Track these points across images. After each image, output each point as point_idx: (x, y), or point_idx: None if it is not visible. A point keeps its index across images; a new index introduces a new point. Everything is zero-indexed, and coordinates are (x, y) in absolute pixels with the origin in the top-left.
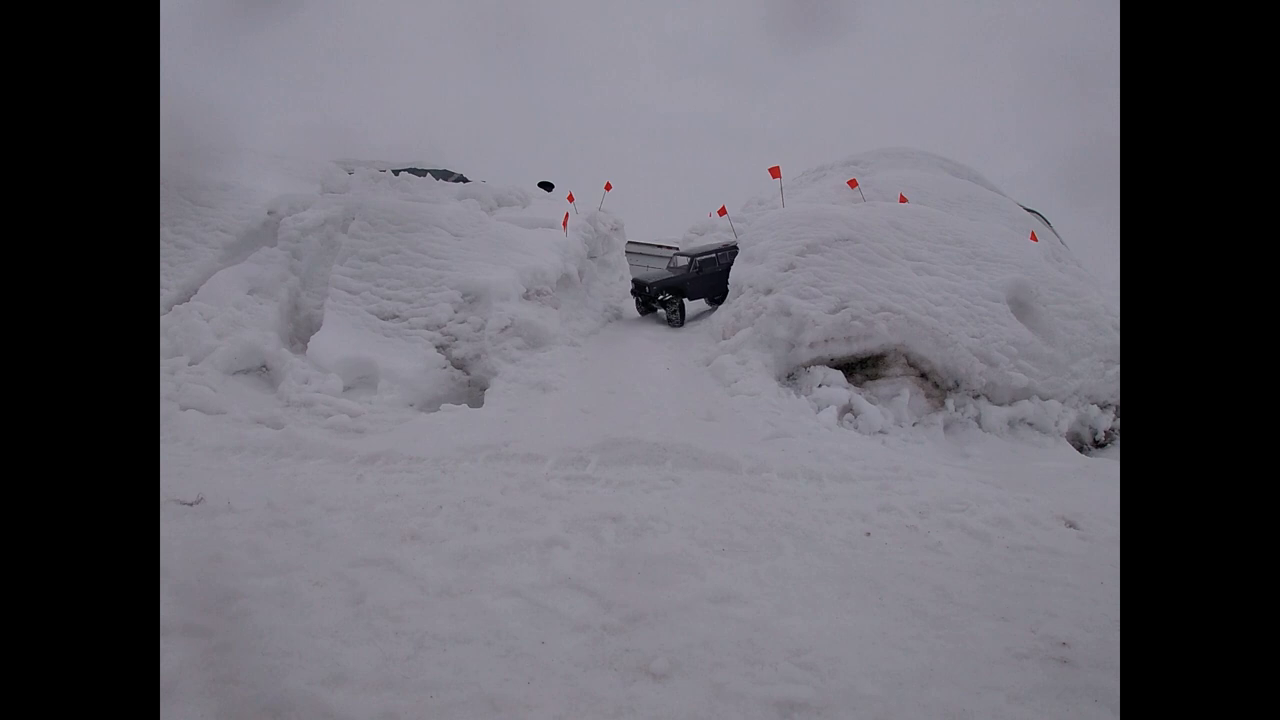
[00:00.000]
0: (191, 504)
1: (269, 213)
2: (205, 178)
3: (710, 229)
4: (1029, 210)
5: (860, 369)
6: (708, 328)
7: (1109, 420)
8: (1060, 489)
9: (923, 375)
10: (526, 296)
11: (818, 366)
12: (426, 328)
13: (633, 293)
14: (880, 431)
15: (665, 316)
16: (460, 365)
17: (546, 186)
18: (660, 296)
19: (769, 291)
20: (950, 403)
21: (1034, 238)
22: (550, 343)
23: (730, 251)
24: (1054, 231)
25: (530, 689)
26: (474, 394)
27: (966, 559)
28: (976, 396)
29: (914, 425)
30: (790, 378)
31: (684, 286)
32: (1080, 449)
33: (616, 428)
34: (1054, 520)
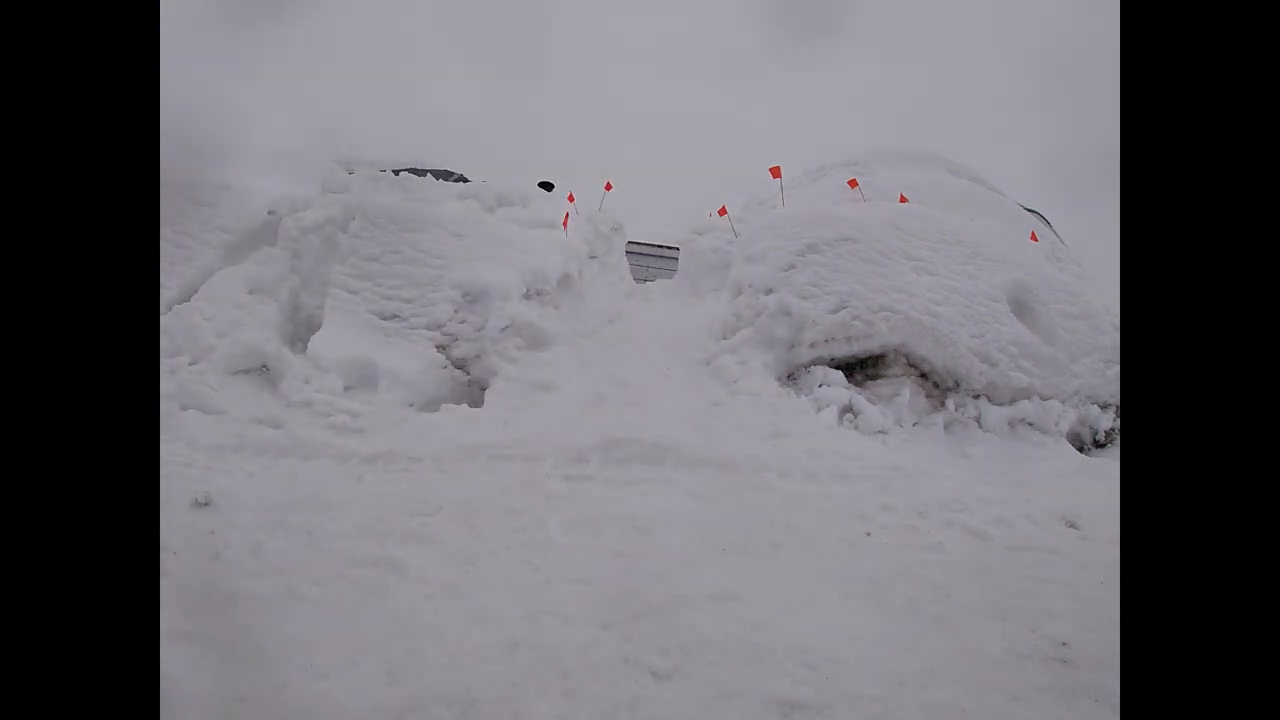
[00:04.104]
0: (193, 504)
1: (269, 213)
2: (205, 178)
3: (710, 229)
4: (1029, 210)
5: (860, 369)
6: (708, 328)
7: (1109, 420)
8: (1060, 489)
9: (923, 375)
10: (527, 296)
11: (818, 366)
12: (427, 328)
13: None
14: (880, 431)
15: None
16: (460, 365)
17: (546, 186)
18: None
19: (769, 291)
20: (950, 403)
21: (1034, 238)
22: (551, 343)
23: None
24: (1054, 231)
25: (530, 689)
26: (474, 394)
27: (967, 559)
28: (977, 396)
29: (914, 425)
30: (790, 378)
31: None
32: (1080, 449)
33: (617, 427)
34: (1054, 520)
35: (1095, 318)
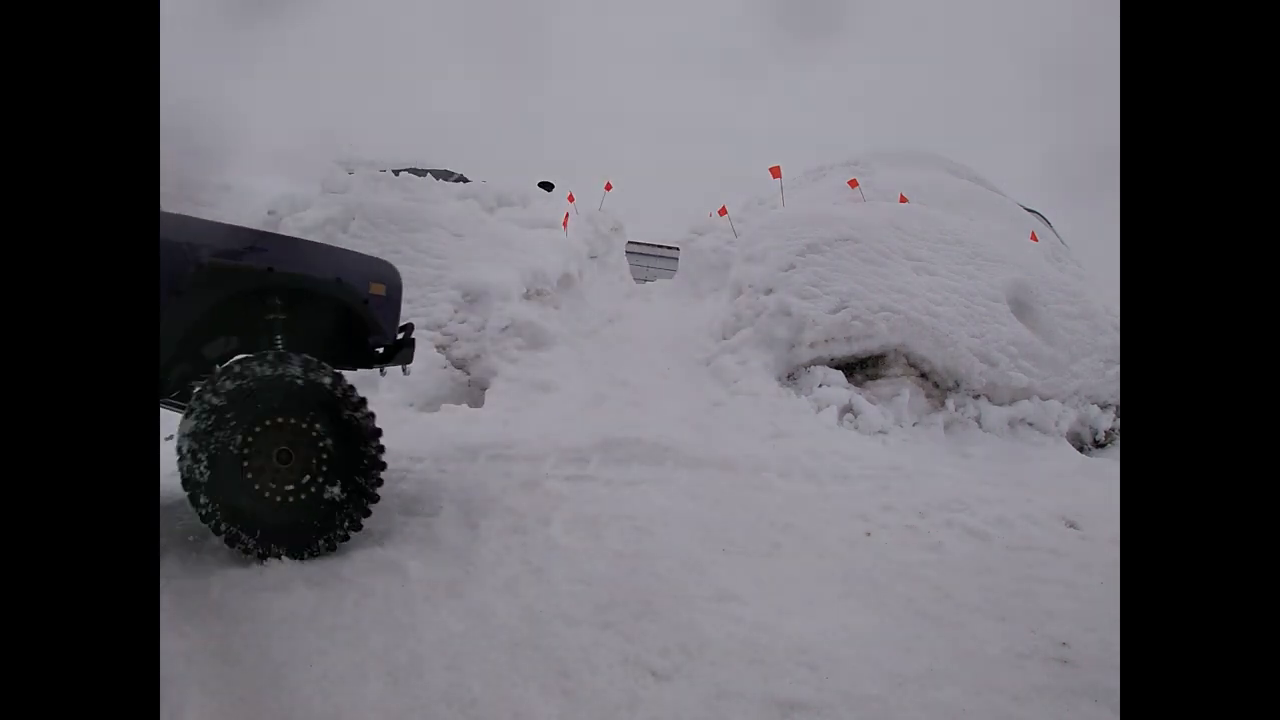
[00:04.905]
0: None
1: (269, 213)
2: (205, 178)
3: (710, 229)
4: (1029, 210)
5: (860, 369)
6: (708, 328)
7: (1109, 420)
8: (1060, 489)
9: (923, 375)
10: (527, 296)
11: (818, 366)
12: (427, 328)
13: None
14: (880, 431)
15: None
16: (460, 365)
17: (546, 186)
18: None
19: (769, 291)
20: (950, 403)
21: (1034, 238)
22: (551, 343)
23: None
24: (1054, 231)
25: (530, 688)
26: (474, 394)
27: (966, 559)
28: (977, 396)
29: (914, 425)
30: (790, 378)
31: None
32: (1080, 449)
33: (617, 427)
34: (1054, 520)
35: (1095, 318)
